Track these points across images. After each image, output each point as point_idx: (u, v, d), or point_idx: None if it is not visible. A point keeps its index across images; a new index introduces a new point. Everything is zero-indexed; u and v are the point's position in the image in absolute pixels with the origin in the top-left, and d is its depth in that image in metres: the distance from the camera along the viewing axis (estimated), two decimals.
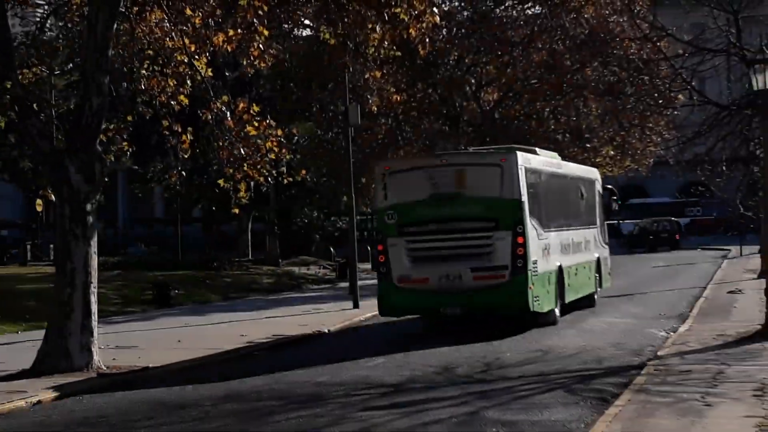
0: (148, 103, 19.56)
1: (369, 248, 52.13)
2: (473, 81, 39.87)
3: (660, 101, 28.48)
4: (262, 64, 20.07)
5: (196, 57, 19.26)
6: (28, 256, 52.46)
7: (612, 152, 41.41)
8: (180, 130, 19.44)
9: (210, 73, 19.88)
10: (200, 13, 19.26)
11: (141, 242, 66.24)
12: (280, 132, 19.49)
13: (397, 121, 39.37)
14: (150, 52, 19.48)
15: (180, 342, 21.30)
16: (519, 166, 21.29)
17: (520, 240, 20.95)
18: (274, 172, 19.71)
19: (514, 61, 36.65)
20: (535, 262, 21.43)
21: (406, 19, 18.40)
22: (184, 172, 28.66)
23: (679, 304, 26.74)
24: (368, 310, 26.93)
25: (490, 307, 21.28)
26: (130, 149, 20.10)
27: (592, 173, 28.71)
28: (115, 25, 18.10)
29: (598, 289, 27.59)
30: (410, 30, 18.47)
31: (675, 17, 22.06)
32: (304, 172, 29.00)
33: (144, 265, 43.09)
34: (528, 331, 21.38)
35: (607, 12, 34.21)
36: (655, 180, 56.91)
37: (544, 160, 23.92)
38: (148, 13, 19.27)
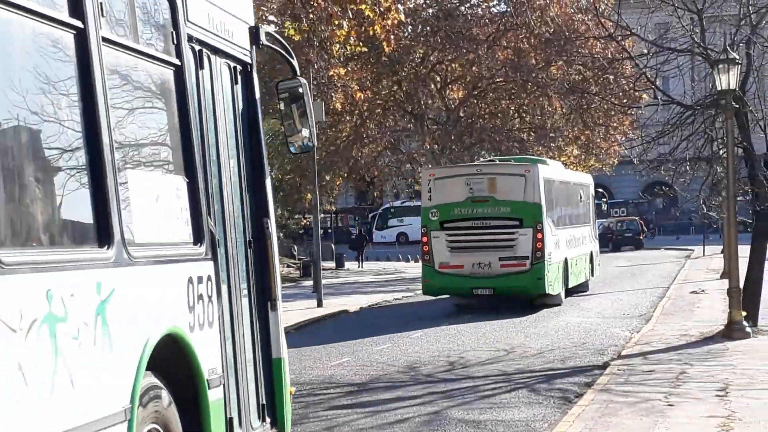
0: None
1: (333, 246, 52.15)
2: (438, 79, 39.85)
3: (624, 100, 28.52)
4: None
5: None
6: None
7: (576, 151, 41.52)
8: None
9: None
10: None
11: None
12: None
13: (361, 119, 39.28)
14: None
15: None
16: (539, 176, 25.82)
17: (539, 236, 25.50)
18: None
19: (479, 59, 36.63)
20: (549, 254, 25.92)
21: (371, 15, 18.32)
22: None
23: (642, 304, 26.81)
24: (332, 308, 26.84)
25: (514, 289, 25.71)
26: None
27: (587, 179, 33.65)
28: None
29: (591, 277, 31.85)
30: (375, 26, 18.40)
31: (639, 16, 22.06)
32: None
33: None
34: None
35: (571, 10, 34.29)
36: (620, 179, 57.14)
37: (554, 170, 28.78)
38: None
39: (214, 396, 6.96)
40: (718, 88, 18.73)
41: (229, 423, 7.17)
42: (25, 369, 4.93)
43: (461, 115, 39.13)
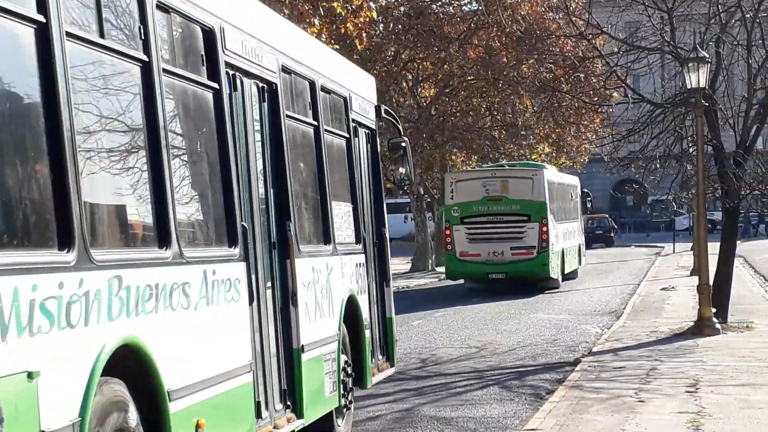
0: None
1: None
2: (410, 77, 39.85)
3: (595, 99, 28.61)
4: None
5: None
6: None
7: (547, 149, 41.64)
8: None
9: None
10: None
11: None
12: None
13: None
14: None
15: None
16: (545, 179, 30.79)
17: (544, 229, 30.29)
18: None
19: (450, 57, 36.65)
20: (552, 245, 30.68)
21: (343, 13, 18.30)
22: None
23: (613, 301, 26.94)
24: None
25: (522, 273, 30.28)
26: None
27: (575, 180, 38.65)
28: None
29: (579, 266, 36.65)
30: (348, 24, 18.39)
31: (610, 15, 22.13)
32: None
33: None
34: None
35: (542, 9, 34.34)
36: (590, 177, 57.31)
37: (553, 174, 34.09)
38: None
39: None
40: (688, 87, 18.83)
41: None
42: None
43: (433, 113, 39.15)
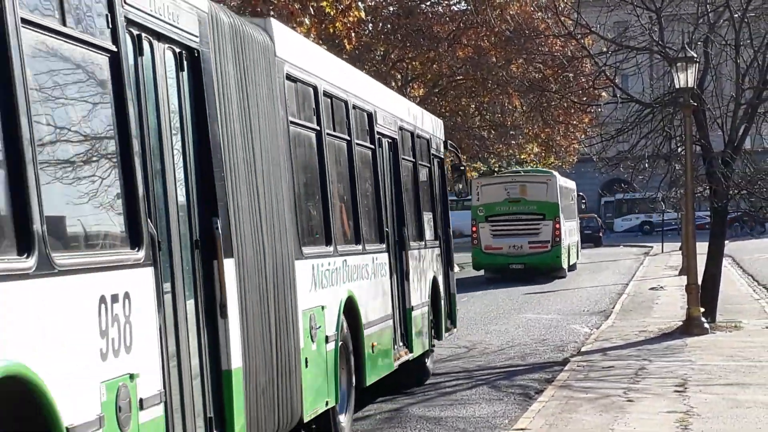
0: None
1: None
2: (399, 76, 39.81)
3: (584, 98, 28.60)
4: None
5: None
6: None
7: (536, 149, 41.64)
8: None
9: None
10: None
11: None
12: None
13: None
14: None
15: None
16: (557, 183, 36.05)
17: (557, 226, 35.21)
18: None
19: (439, 57, 36.63)
20: (562, 240, 35.58)
21: (332, 13, 18.27)
22: None
23: (601, 301, 26.98)
24: None
25: (538, 264, 35.10)
26: None
27: (573, 184, 42.92)
28: None
29: (577, 260, 40.96)
30: (336, 24, 18.36)
31: (599, 15, 22.13)
32: None
33: None
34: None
35: (531, 8, 34.33)
36: (579, 176, 57.38)
37: (561, 179, 37.98)
38: None
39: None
40: (677, 86, 18.86)
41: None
42: None
43: None
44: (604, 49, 21.62)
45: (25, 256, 5.00)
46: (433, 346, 15.23)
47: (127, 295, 6.02)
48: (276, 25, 9.49)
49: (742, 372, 14.23)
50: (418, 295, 14.06)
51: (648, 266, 40.52)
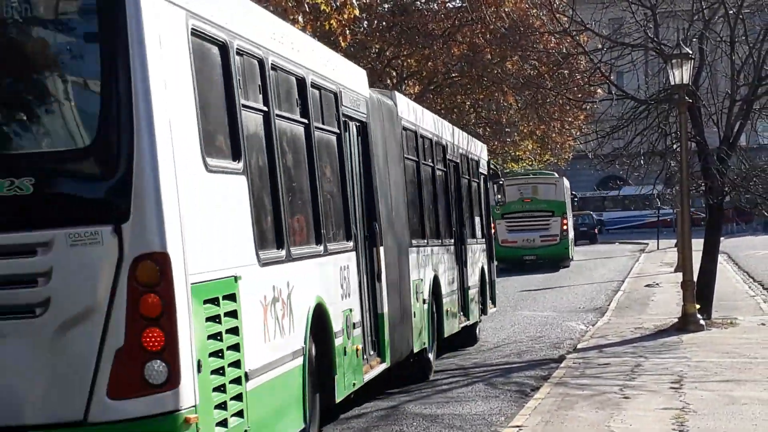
0: None
1: None
2: (394, 74, 39.77)
3: (579, 95, 28.58)
4: None
5: None
6: None
7: (532, 146, 41.65)
8: None
9: None
10: None
11: None
12: None
13: None
14: None
15: None
16: (564, 184, 41.04)
17: (564, 222, 40.24)
18: None
19: (434, 55, 36.59)
20: (568, 233, 40.61)
21: (327, 10, 18.24)
22: None
23: (597, 298, 26.99)
24: None
25: (549, 256, 39.68)
26: None
27: (568, 183, 45.04)
28: None
29: (573, 253, 43.96)
30: (331, 21, 18.34)
31: (594, 12, 22.11)
32: None
33: None
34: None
35: (526, 6, 34.28)
36: (574, 173, 57.38)
37: (565, 181, 42.39)
38: None
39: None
40: (672, 83, 18.86)
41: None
42: None
43: None
44: (600, 46, 21.61)
45: (320, 245, 10.14)
46: (480, 320, 19.29)
47: (347, 267, 11.06)
48: (398, 96, 14.55)
49: (737, 368, 14.24)
50: (473, 279, 18.49)
51: (644, 263, 40.57)
